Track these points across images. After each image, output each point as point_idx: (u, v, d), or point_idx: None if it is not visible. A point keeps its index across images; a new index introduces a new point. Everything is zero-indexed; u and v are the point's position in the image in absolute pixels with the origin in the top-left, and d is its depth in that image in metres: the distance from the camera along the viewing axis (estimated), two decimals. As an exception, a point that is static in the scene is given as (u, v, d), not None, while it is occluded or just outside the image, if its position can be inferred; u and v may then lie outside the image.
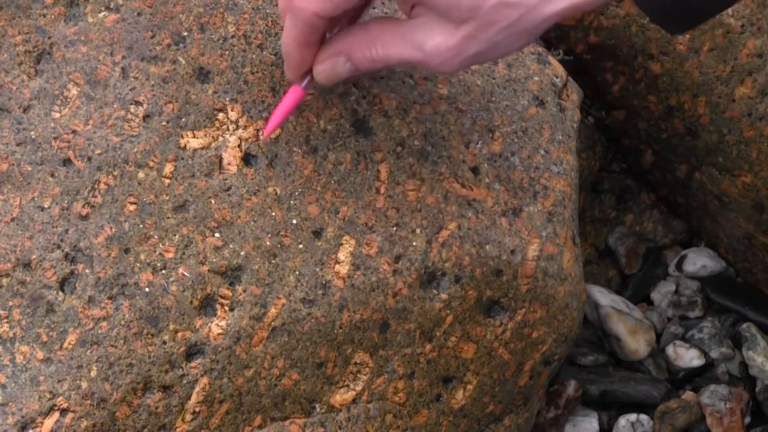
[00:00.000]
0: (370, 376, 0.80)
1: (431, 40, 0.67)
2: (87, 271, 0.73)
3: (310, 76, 0.73)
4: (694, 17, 0.69)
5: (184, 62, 0.77)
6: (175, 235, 0.75)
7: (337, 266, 0.78)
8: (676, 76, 1.10)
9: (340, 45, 0.72)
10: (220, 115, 0.77)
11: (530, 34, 0.66)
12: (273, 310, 0.76)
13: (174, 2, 0.78)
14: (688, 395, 1.12)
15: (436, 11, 0.67)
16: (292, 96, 0.74)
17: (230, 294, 0.75)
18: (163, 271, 0.74)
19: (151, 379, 0.73)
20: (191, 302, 0.74)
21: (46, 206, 0.73)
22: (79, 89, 0.75)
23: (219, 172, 0.77)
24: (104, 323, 0.72)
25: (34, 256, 0.72)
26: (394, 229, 0.79)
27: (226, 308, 0.75)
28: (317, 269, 0.77)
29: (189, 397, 0.74)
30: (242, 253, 0.76)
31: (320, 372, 0.78)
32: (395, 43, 0.69)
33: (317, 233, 0.78)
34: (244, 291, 0.75)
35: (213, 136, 0.77)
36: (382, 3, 0.84)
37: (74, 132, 0.74)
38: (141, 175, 0.75)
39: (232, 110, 0.78)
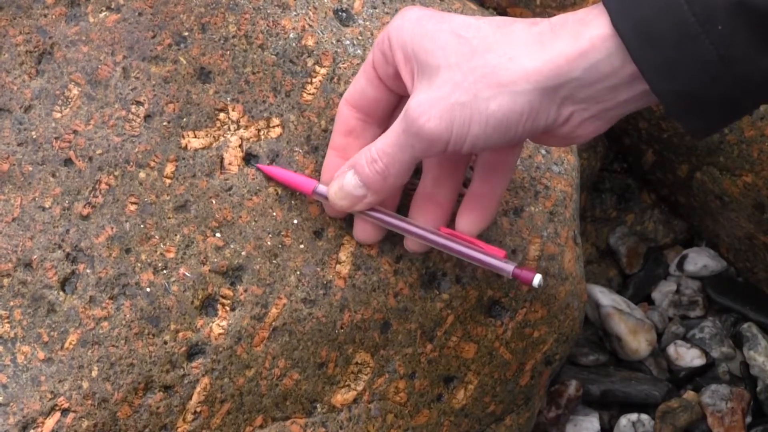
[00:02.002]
0: (371, 375, 0.80)
1: (413, 99, 0.67)
2: (88, 271, 0.73)
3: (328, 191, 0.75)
4: (725, 114, 0.66)
5: (185, 62, 0.77)
6: (176, 235, 0.75)
7: (338, 266, 0.78)
8: (677, 75, 1.09)
9: (350, 160, 0.73)
10: (221, 115, 0.77)
11: (515, 93, 0.64)
12: (274, 310, 0.76)
13: (175, 2, 0.78)
14: (689, 395, 1.12)
15: (421, 67, 0.68)
16: (300, 183, 0.76)
17: (231, 294, 0.75)
18: (164, 271, 0.74)
19: (152, 379, 0.73)
20: (192, 302, 0.74)
21: (47, 206, 0.73)
22: (80, 89, 0.75)
23: (220, 172, 0.77)
24: (105, 323, 0.72)
25: (35, 256, 0.72)
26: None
27: (227, 308, 0.75)
28: (318, 269, 0.77)
29: (190, 397, 0.74)
30: (243, 253, 0.76)
31: (321, 372, 0.78)
32: (390, 129, 0.70)
33: (318, 233, 0.78)
34: (245, 291, 0.75)
35: (214, 136, 0.77)
36: (383, 3, 0.84)
37: (75, 132, 0.75)
38: (142, 175, 0.75)
39: (233, 110, 0.78)
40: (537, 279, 0.73)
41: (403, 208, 0.78)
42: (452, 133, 0.66)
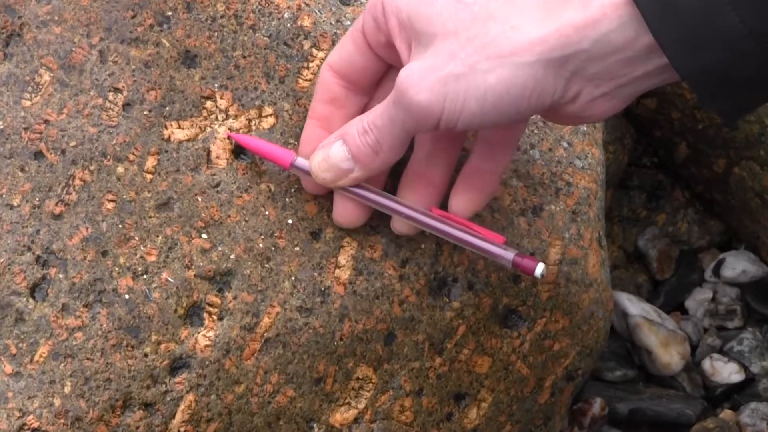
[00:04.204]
0: (374, 392, 0.80)
1: (404, 69, 0.67)
2: (60, 275, 0.73)
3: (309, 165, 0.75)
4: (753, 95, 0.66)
5: (168, 45, 0.78)
6: (157, 236, 0.75)
7: (337, 271, 0.78)
8: (714, 59, 1.10)
9: (340, 130, 0.74)
10: (208, 104, 0.78)
11: (517, 65, 0.64)
12: (266, 320, 0.76)
13: (157, -22, 0.79)
14: (726, 414, 1.12)
15: (417, 35, 0.68)
16: (277, 154, 0.76)
17: (219, 301, 0.76)
18: (145, 276, 0.74)
19: (132, 395, 0.73)
20: (176, 310, 0.75)
21: (15, 204, 0.73)
22: (52, 74, 0.75)
23: (207, 166, 0.77)
24: (79, 334, 0.73)
25: (2, 260, 0.72)
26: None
27: (215, 317, 0.75)
28: (315, 274, 0.78)
29: (173, 416, 0.74)
30: (232, 256, 0.76)
31: (318, 388, 0.79)
32: (384, 101, 0.70)
33: (315, 234, 0.78)
34: (235, 298, 0.76)
35: (200, 127, 0.77)
36: None
37: (47, 122, 0.75)
38: (120, 169, 0.75)
39: (221, 98, 0.78)
40: (540, 268, 0.73)
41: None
42: (444, 108, 0.66)
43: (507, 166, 0.77)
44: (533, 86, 0.65)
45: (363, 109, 0.76)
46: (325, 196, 0.78)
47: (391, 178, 0.78)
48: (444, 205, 0.77)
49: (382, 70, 0.76)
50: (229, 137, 0.77)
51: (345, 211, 0.77)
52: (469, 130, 0.75)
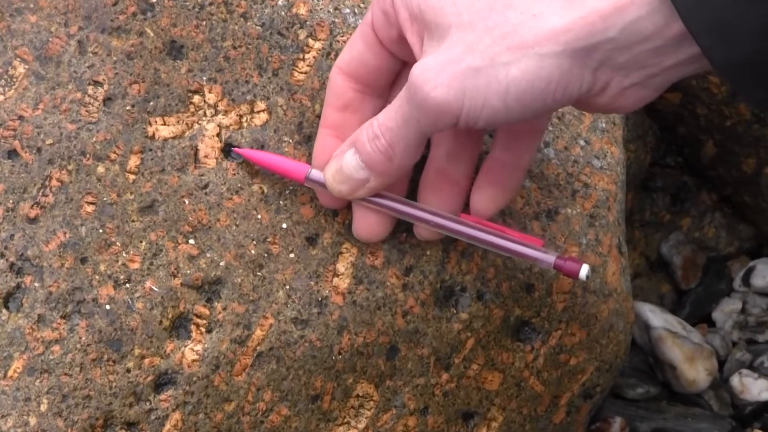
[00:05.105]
0: (375, 411, 0.81)
1: (417, 64, 0.67)
2: (36, 284, 0.73)
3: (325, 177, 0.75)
4: None
5: (152, 34, 0.78)
6: (141, 241, 0.75)
7: (335, 279, 0.78)
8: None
9: (351, 137, 0.74)
10: (196, 98, 0.78)
11: (541, 56, 0.64)
12: (259, 332, 0.76)
13: (141, -37, 0.79)
14: (756, 434, 1.13)
15: (429, 28, 0.68)
16: (290, 168, 0.76)
17: (207, 312, 0.76)
18: (127, 285, 0.74)
19: (113, 414, 0.73)
20: (161, 322, 0.75)
21: (-13, 207, 0.74)
22: (26, 67, 0.76)
23: (194, 166, 0.77)
24: (57, 347, 0.73)
25: (-27, 267, 0.73)
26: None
27: (203, 329, 0.75)
28: (312, 283, 0.78)
29: (158, 436, 0.74)
30: (222, 263, 0.76)
31: (315, 406, 0.79)
32: (395, 100, 0.70)
33: (312, 240, 0.78)
34: (224, 309, 0.76)
35: (187, 123, 0.77)
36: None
37: (21, 118, 0.75)
38: (101, 169, 0.75)
39: (209, 92, 0.78)
40: (584, 270, 0.74)
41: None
42: (464, 104, 0.66)
43: (532, 157, 0.77)
44: (559, 78, 0.65)
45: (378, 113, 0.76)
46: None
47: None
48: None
49: (396, 68, 0.76)
50: (237, 153, 0.77)
51: (367, 224, 0.77)
52: (490, 128, 0.75)
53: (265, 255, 0.77)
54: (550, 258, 0.75)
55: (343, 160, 0.73)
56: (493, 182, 0.76)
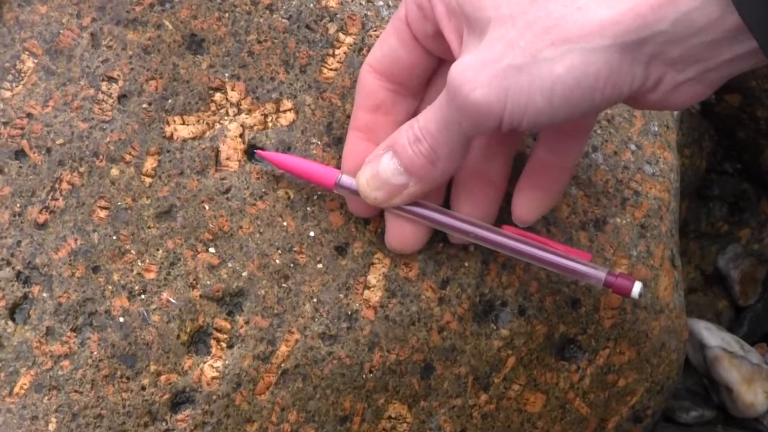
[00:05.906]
0: (408, 434, 0.81)
1: (456, 63, 0.67)
2: (44, 294, 0.73)
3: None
4: None
5: (171, 27, 0.78)
6: (158, 249, 0.75)
7: (366, 292, 0.78)
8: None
9: (387, 141, 0.74)
10: (217, 96, 0.78)
11: (588, 51, 0.64)
12: (283, 348, 0.76)
13: (160, -49, 0.80)
14: (817, 461, 1.13)
15: (469, 22, 0.68)
16: (319, 174, 0.76)
17: (228, 326, 0.76)
18: (143, 297, 0.74)
19: (126, 435, 0.74)
20: (178, 336, 0.75)
21: (-7, 211, 0.74)
22: (36, 61, 0.76)
23: (215, 169, 0.77)
24: (66, 362, 0.73)
25: (-23, 276, 0.74)
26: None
27: (223, 345, 0.75)
28: (341, 295, 0.77)
29: (174, 459, 0.75)
30: (244, 273, 0.76)
31: (344, 428, 0.79)
32: (436, 101, 0.70)
33: (341, 249, 0.78)
34: (247, 323, 0.76)
35: (208, 123, 0.77)
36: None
37: (29, 116, 0.75)
38: (115, 172, 0.75)
39: (232, 89, 0.78)
40: (637, 287, 0.74)
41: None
42: (506, 105, 0.66)
43: (578, 158, 0.78)
44: (608, 74, 0.65)
45: (413, 115, 0.76)
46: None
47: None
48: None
49: (432, 66, 0.76)
50: (260, 157, 0.78)
51: (401, 234, 0.77)
52: (534, 130, 0.75)
53: (291, 265, 0.77)
54: (600, 274, 0.75)
55: (379, 164, 0.73)
56: (536, 185, 0.76)
